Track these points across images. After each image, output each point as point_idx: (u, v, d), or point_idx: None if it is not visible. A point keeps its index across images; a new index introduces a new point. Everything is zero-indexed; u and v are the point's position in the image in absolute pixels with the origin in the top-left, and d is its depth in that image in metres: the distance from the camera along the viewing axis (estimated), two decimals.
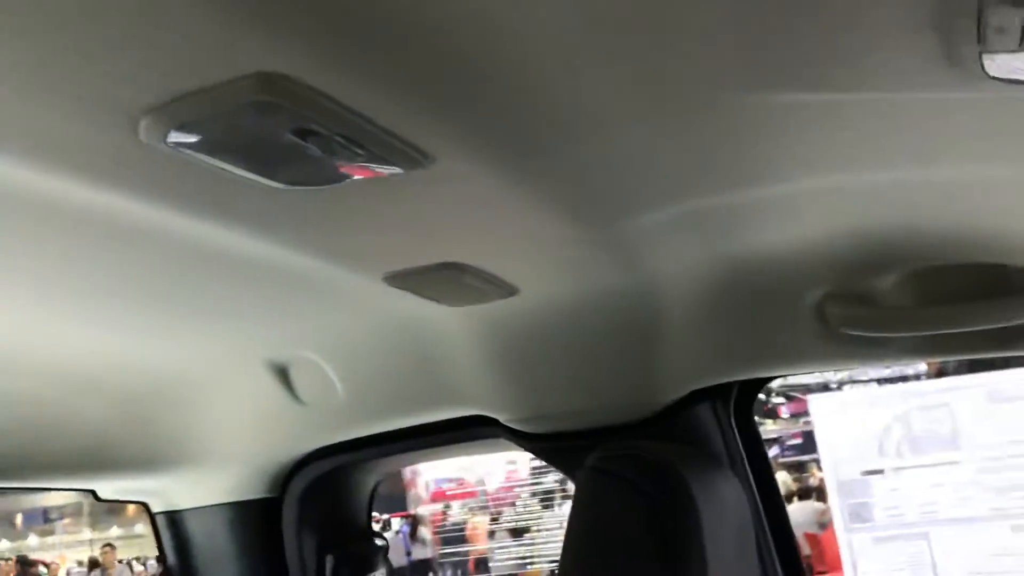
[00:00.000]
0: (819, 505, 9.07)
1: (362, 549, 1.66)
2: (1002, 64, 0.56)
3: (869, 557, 1.32)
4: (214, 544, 1.58)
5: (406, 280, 0.98)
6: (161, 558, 1.62)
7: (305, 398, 1.40)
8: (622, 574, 0.95)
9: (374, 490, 1.71)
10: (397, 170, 0.68)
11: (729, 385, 1.30)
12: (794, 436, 15.30)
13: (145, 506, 1.62)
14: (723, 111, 0.71)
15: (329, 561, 1.59)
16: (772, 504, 1.32)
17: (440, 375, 1.30)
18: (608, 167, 0.81)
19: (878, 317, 1.09)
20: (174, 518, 1.60)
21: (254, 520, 1.59)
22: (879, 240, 0.99)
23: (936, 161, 0.81)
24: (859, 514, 1.30)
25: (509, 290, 1.05)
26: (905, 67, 0.63)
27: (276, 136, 0.61)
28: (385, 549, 1.70)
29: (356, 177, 0.69)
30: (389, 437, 1.48)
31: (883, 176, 0.84)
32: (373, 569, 1.67)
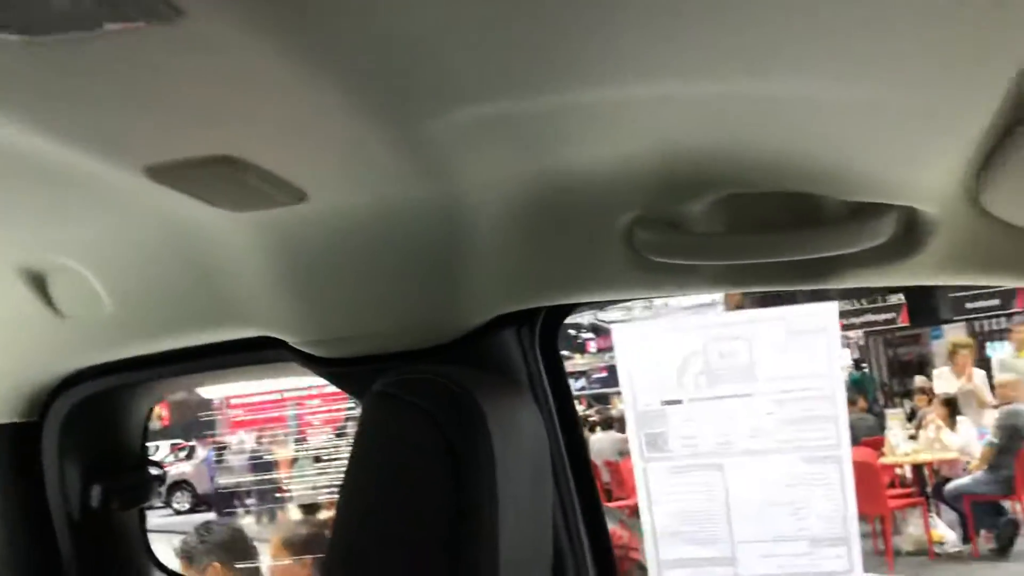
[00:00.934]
0: (619, 435, 9.56)
1: (134, 478, 1.52)
2: None
3: (664, 486, 1.32)
4: None
5: (172, 175, 0.84)
6: None
7: (66, 311, 1.24)
8: (406, 503, 0.88)
9: (149, 414, 1.57)
10: (134, 23, 0.55)
11: (535, 311, 1.25)
12: (600, 370, 16.04)
13: None
14: None
15: (95, 491, 1.44)
16: (571, 433, 1.30)
17: (221, 290, 1.18)
18: (405, 54, 0.70)
19: (687, 244, 1.05)
20: None
21: (8, 446, 1.42)
22: (694, 161, 0.94)
23: (767, 73, 0.75)
24: (656, 444, 1.30)
25: (296, 195, 0.93)
26: None
27: None
28: (161, 479, 1.57)
29: (81, 29, 0.55)
30: (165, 358, 1.34)
31: (708, 87, 0.78)
32: (145, 500, 1.54)
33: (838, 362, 1.23)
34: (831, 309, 1.22)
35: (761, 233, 1.02)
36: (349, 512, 0.92)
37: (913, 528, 7.07)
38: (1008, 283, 1.10)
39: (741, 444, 1.30)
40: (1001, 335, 11.43)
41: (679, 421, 1.31)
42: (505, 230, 1.08)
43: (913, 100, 0.78)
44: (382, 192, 0.98)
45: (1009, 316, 11.79)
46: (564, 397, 1.30)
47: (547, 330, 1.29)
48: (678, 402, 1.30)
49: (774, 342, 1.25)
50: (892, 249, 1.03)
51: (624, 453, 8.88)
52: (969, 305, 12.61)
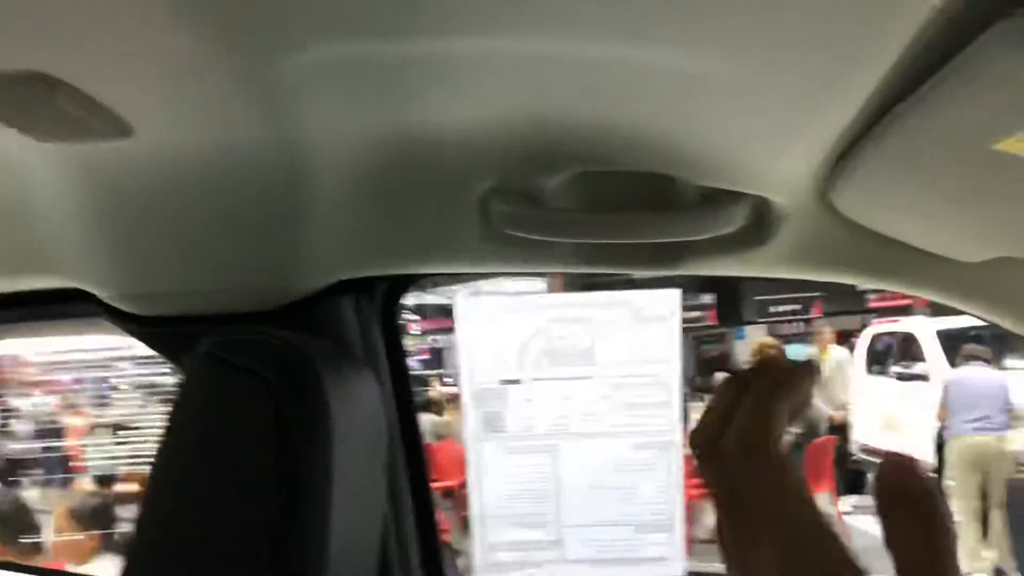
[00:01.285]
0: (436, 418, 9.59)
1: None
2: None
3: (497, 467, 1.29)
4: None
5: None
6: None
7: None
8: (229, 476, 0.80)
9: None
10: None
11: (377, 279, 1.19)
12: (423, 352, 16.00)
13: None
14: None
15: None
16: (407, 410, 1.25)
17: (23, 232, 1.04)
18: None
19: (543, 219, 1.02)
20: None
21: None
22: (556, 133, 0.90)
23: (635, 39, 0.72)
24: (492, 423, 1.26)
25: (119, 127, 0.82)
26: None
27: None
28: None
29: None
30: None
31: (574, 49, 0.74)
32: None
33: (678, 349, 1.23)
34: (674, 296, 1.22)
35: (617, 213, 1.01)
36: (162, 484, 0.83)
37: (708, 517, 7.46)
38: (850, 281, 1.13)
39: (577, 427, 1.28)
40: (798, 338, 12.22)
41: (517, 401, 1.28)
42: (352, 189, 1.01)
43: (783, 85, 0.77)
44: (218, 134, 0.89)
45: (807, 321, 12.63)
46: (401, 373, 1.25)
47: (388, 301, 1.23)
48: (517, 382, 1.27)
49: (616, 326, 1.24)
50: (742, 239, 1.04)
51: (440, 436, 8.90)
52: (771, 309, 13.44)
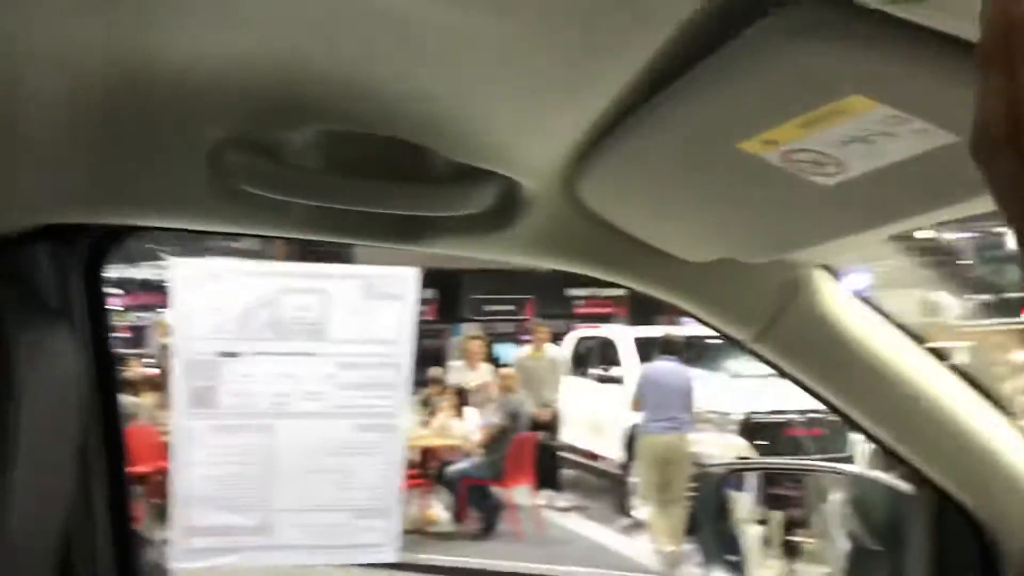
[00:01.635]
0: (131, 399, 8.95)
1: None
2: None
3: (204, 446, 1.19)
4: None
5: None
6: None
7: None
8: None
9: None
10: None
11: (84, 228, 1.05)
12: (124, 330, 14.88)
13: None
14: None
15: None
16: (107, 375, 1.11)
17: None
18: None
19: (281, 176, 0.94)
20: None
21: None
22: (294, 83, 0.83)
23: None
24: (203, 398, 1.16)
25: None
26: None
27: None
28: None
29: None
30: None
31: None
32: None
33: (412, 330, 1.20)
34: (412, 275, 1.19)
35: (362, 178, 0.95)
36: None
37: (413, 508, 7.53)
38: (586, 272, 1.14)
39: (297, 406, 1.22)
40: (509, 337, 12.66)
41: (233, 376, 1.19)
42: (63, 122, 0.87)
43: (540, 58, 0.75)
44: None
45: (520, 321, 13.14)
46: (102, 333, 1.11)
47: (95, 255, 1.09)
48: (235, 355, 1.18)
49: (350, 301, 1.18)
50: (487, 220, 1.02)
51: (133, 416, 8.34)
52: (487, 308, 13.86)
